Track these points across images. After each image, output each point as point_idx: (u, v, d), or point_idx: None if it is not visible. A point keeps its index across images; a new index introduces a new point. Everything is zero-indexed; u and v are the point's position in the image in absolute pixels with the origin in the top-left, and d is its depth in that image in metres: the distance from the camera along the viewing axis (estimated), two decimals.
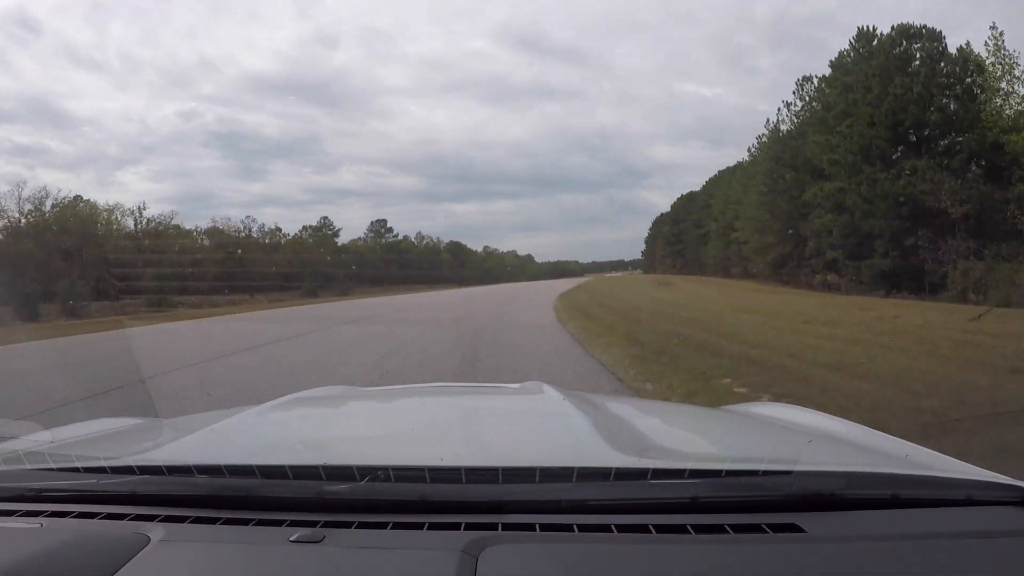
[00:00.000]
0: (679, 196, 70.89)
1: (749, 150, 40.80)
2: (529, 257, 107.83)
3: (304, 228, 57.51)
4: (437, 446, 1.24)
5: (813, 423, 1.56)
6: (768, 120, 38.06)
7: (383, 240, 63.72)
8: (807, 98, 32.73)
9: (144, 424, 1.82)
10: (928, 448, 1.22)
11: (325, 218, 66.50)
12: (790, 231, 31.81)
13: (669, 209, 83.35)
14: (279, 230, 53.24)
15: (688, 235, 63.17)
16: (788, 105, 34.19)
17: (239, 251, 43.45)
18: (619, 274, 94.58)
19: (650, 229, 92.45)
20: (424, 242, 69.60)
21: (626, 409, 1.65)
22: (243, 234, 48.01)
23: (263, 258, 44.53)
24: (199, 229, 46.62)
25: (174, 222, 43.85)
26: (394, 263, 59.44)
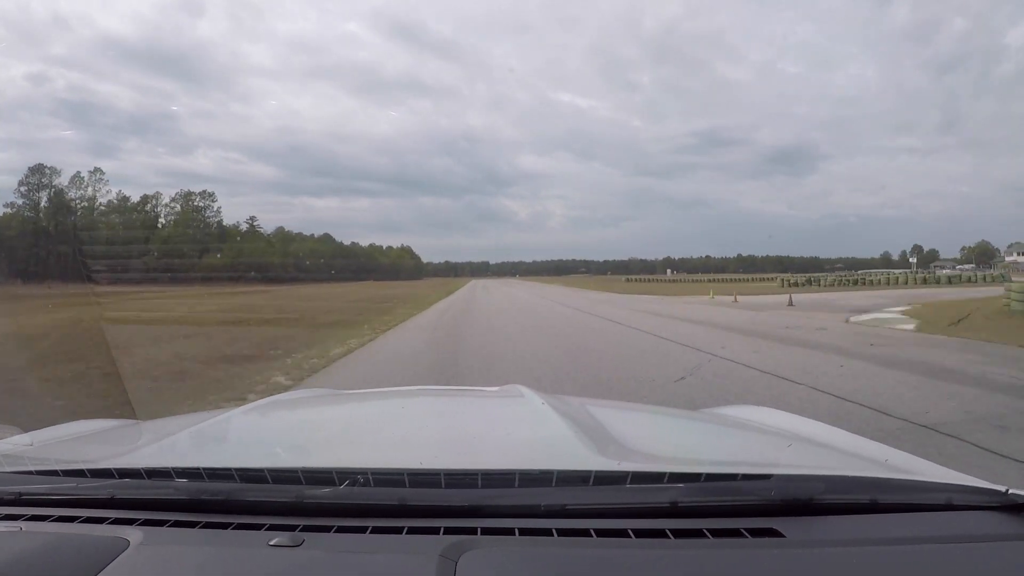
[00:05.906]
0: None
1: None
2: (327, 237, 70.57)
3: None
4: (416, 450, 1.24)
5: (792, 426, 1.58)
6: None
7: None
8: None
9: (123, 426, 1.80)
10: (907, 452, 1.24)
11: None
12: None
13: None
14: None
15: None
16: None
17: None
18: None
19: None
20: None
21: (605, 412, 1.66)
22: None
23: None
24: None
25: None
26: None
